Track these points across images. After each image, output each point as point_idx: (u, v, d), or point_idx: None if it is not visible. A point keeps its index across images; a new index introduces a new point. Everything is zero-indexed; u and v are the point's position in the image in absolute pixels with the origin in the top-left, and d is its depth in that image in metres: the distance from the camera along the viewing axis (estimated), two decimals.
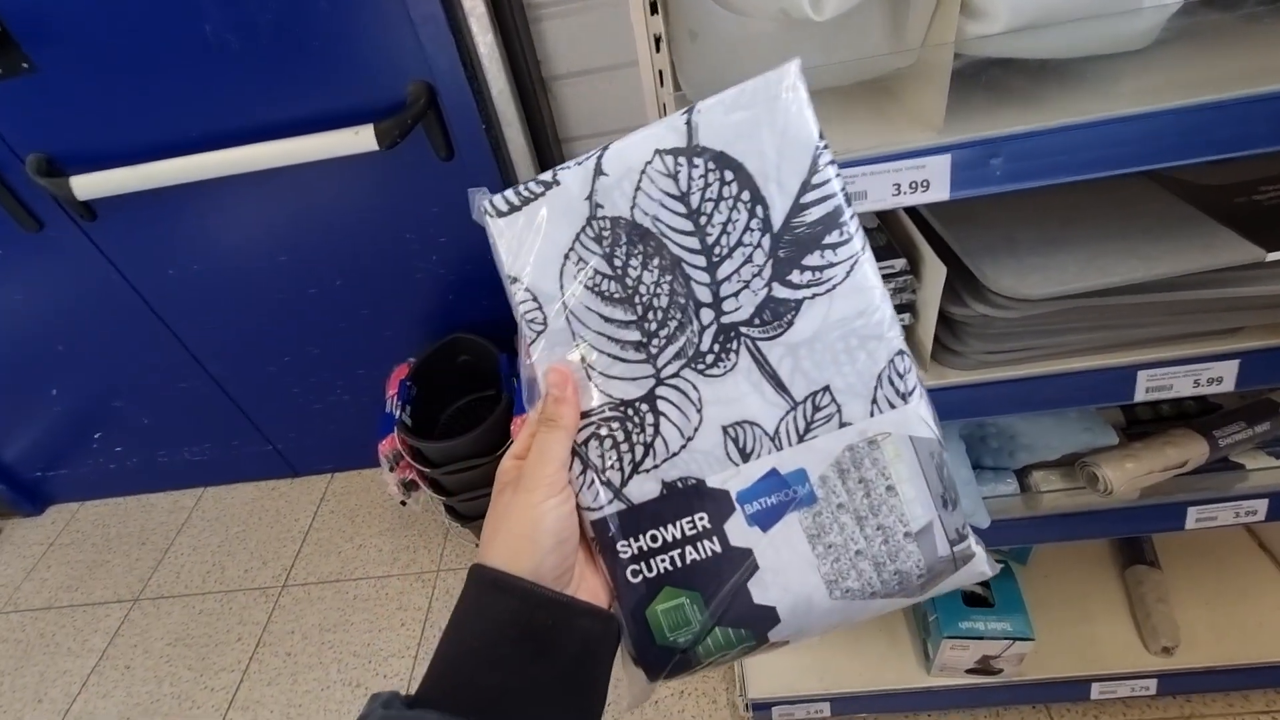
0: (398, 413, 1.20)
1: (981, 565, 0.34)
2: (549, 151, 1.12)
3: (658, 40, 0.65)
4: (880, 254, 0.65)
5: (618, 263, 0.35)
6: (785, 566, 0.34)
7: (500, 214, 0.36)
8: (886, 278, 0.65)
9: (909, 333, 0.69)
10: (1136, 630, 0.99)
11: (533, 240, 0.36)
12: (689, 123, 0.34)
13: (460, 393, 1.39)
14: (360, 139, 1.04)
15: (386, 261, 1.28)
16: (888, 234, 0.67)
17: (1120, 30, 0.46)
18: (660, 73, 0.69)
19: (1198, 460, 0.75)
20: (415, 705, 0.31)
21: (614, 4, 1.02)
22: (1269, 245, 0.54)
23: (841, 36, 0.51)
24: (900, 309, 0.67)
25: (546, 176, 0.36)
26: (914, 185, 0.50)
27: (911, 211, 0.68)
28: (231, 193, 1.16)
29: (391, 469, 1.21)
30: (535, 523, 0.33)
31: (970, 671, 0.97)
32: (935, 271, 0.60)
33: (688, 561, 0.35)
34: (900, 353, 0.33)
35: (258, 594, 1.48)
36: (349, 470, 1.71)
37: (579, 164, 0.35)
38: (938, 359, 0.68)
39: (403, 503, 1.28)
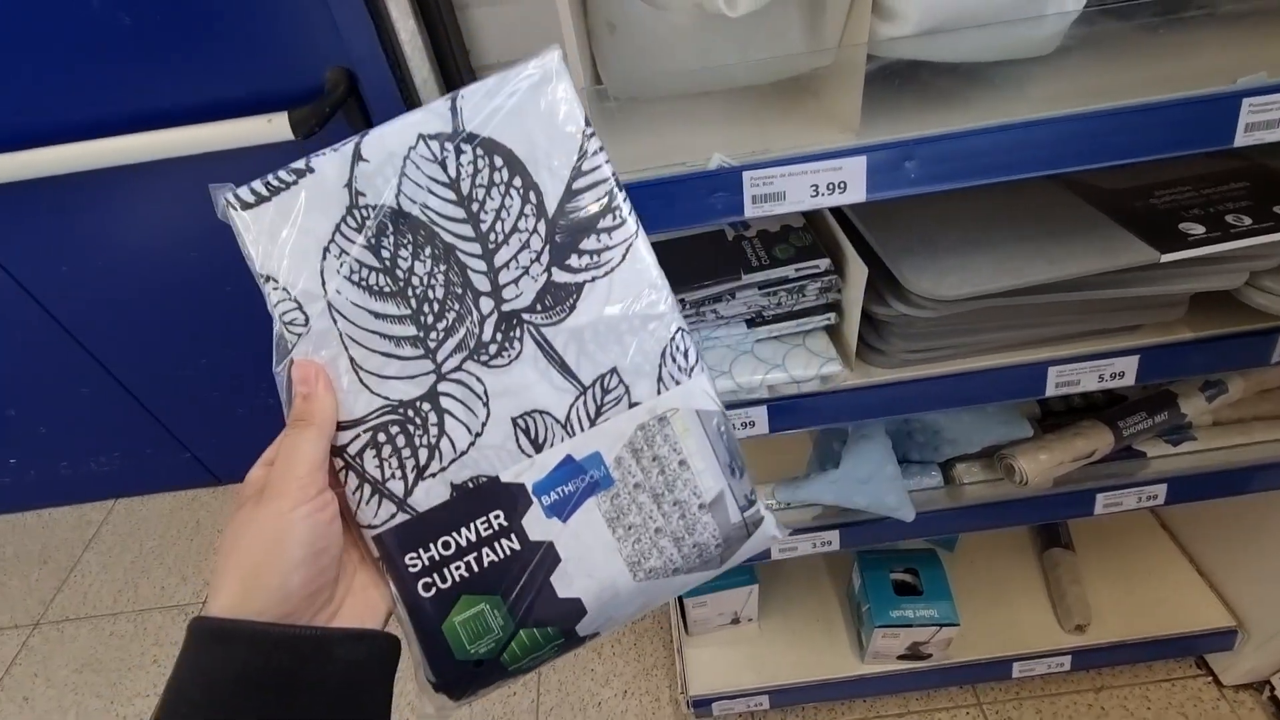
0: None
1: (771, 529, 0.36)
2: None
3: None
4: (805, 254, 0.65)
5: (385, 254, 0.33)
6: (587, 554, 0.34)
7: (246, 206, 0.33)
8: (811, 277, 0.65)
9: (834, 331, 0.70)
10: (1053, 610, 1.05)
11: (287, 233, 0.33)
12: (454, 108, 0.33)
13: None
14: (274, 127, 0.98)
15: None
16: (813, 234, 0.68)
17: (1025, 36, 0.47)
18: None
19: (1105, 449, 0.79)
20: None
21: None
22: (1163, 247, 0.56)
23: (759, 34, 0.50)
24: (825, 308, 0.68)
25: (299, 164, 0.33)
26: (831, 186, 0.50)
27: (836, 212, 0.68)
28: (134, 183, 1.07)
29: None
30: (282, 534, 0.29)
31: (901, 658, 1.00)
32: (858, 272, 0.61)
33: (485, 564, 0.33)
34: (680, 330, 0.34)
35: (176, 612, 1.39)
36: None
37: (335, 150, 0.33)
38: (863, 358, 0.69)
39: None
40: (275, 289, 0.34)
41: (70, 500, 1.65)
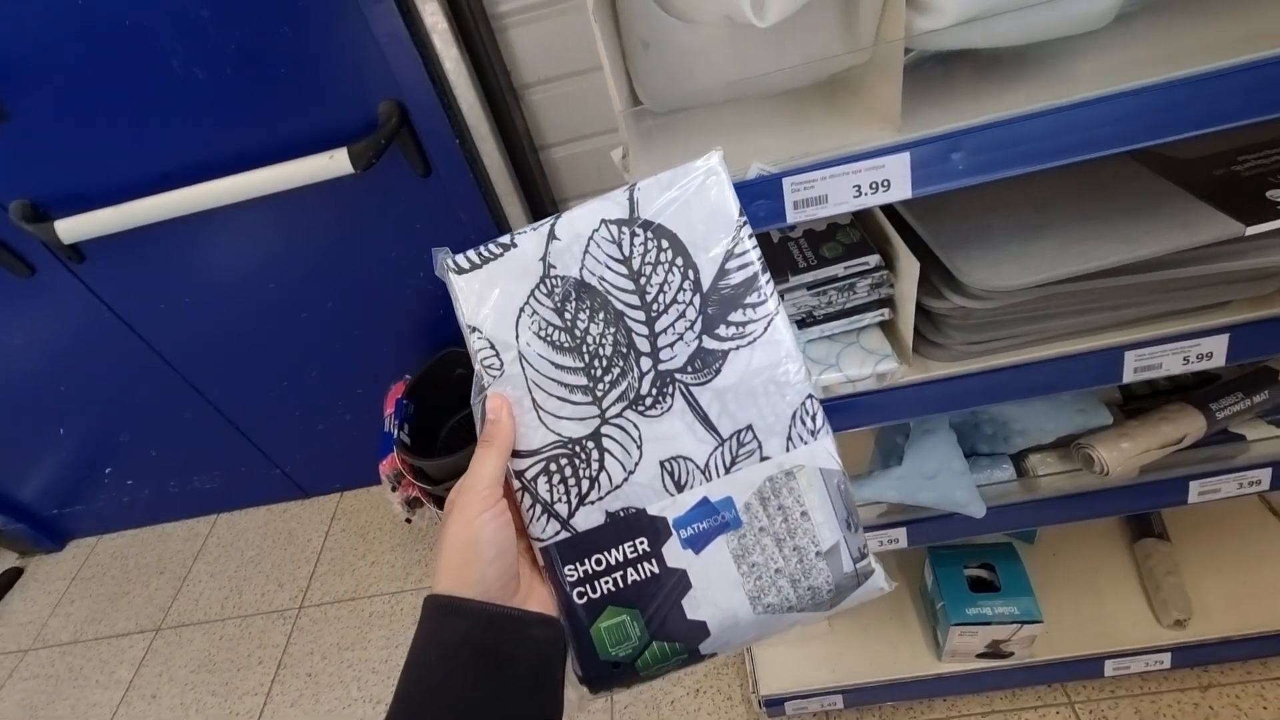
0: (396, 432, 1.21)
1: (879, 581, 0.39)
2: (525, 161, 1.11)
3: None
4: (853, 251, 0.64)
5: (567, 316, 0.40)
6: (714, 585, 0.39)
7: (462, 271, 0.40)
8: (861, 274, 0.64)
9: (888, 327, 0.68)
10: (1148, 604, 0.98)
11: (491, 295, 0.40)
12: (631, 198, 0.40)
13: (458, 406, 1.39)
14: (335, 162, 1.04)
15: (374, 280, 1.28)
16: (861, 230, 0.66)
17: (1077, 12, 0.44)
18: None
19: (1196, 435, 0.74)
20: None
21: (579, 7, 1.01)
22: (1248, 219, 0.52)
23: (792, 38, 0.50)
24: (878, 304, 0.66)
25: (505, 239, 0.40)
26: (874, 186, 0.49)
27: (885, 205, 0.67)
28: (214, 224, 1.16)
29: (394, 488, 1.22)
30: (473, 536, 0.36)
31: (981, 656, 0.97)
32: (909, 266, 0.59)
33: (629, 582, 0.39)
34: (809, 396, 0.39)
35: (276, 617, 1.50)
36: (357, 488, 1.73)
37: (534, 229, 0.40)
38: (920, 352, 0.67)
39: (408, 520, 1.29)
40: (479, 338, 0.40)
41: (180, 516, 1.80)
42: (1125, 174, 0.61)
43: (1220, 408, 0.74)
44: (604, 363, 0.39)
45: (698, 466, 0.39)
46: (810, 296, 0.65)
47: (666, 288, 0.39)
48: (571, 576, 0.39)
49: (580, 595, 0.39)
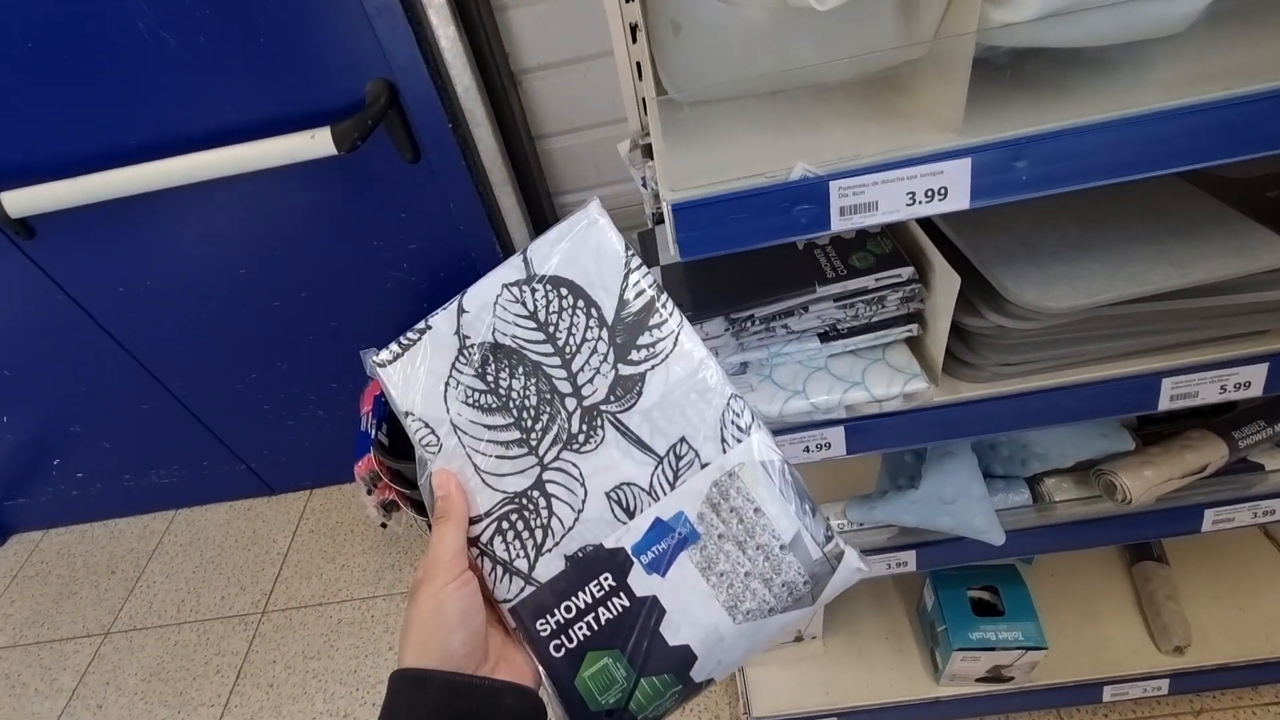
0: (373, 432, 1.14)
1: (854, 561, 0.39)
2: (521, 150, 1.05)
3: (634, 30, 0.59)
4: (885, 262, 0.60)
5: (489, 378, 0.41)
6: (688, 603, 0.39)
7: (385, 364, 0.42)
8: (892, 287, 0.60)
9: (917, 344, 0.64)
10: (1147, 629, 0.97)
11: (418, 378, 0.42)
12: (525, 259, 0.42)
13: None
14: (317, 143, 0.97)
15: (355, 271, 1.21)
16: (893, 239, 0.62)
17: (1160, 13, 0.40)
18: (639, 66, 0.62)
19: (1218, 463, 0.71)
20: None
21: None
22: None
23: (845, 26, 0.45)
24: (906, 319, 0.62)
25: (420, 325, 0.42)
26: (930, 194, 0.45)
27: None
28: (182, 202, 1.07)
29: (369, 491, 1.15)
30: (439, 607, 0.36)
31: (981, 680, 0.94)
32: (948, 281, 0.55)
33: (602, 622, 0.39)
34: (733, 396, 0.40)
35: (236, 622, 1.42)
36: (329, 486, 1.64)
37: (444, 309, 0.42)
38: (950, 372, 0.63)
39: (383, 525, 1.22)
40: (413, 420, 0.42)
41: (134, 511, 1.70)
42: (1173, 191, 0.58)
43: (1243, 436, 0.72)
44: (532, 412, 0.41)
45: (643, 489, 0.40)
46: (836, 309, 0.61)
47: (574, 329, 0.41)
48: (544, 630, 0.39)
49: (558, 649, 0.39)
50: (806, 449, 0.65)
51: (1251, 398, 0.62)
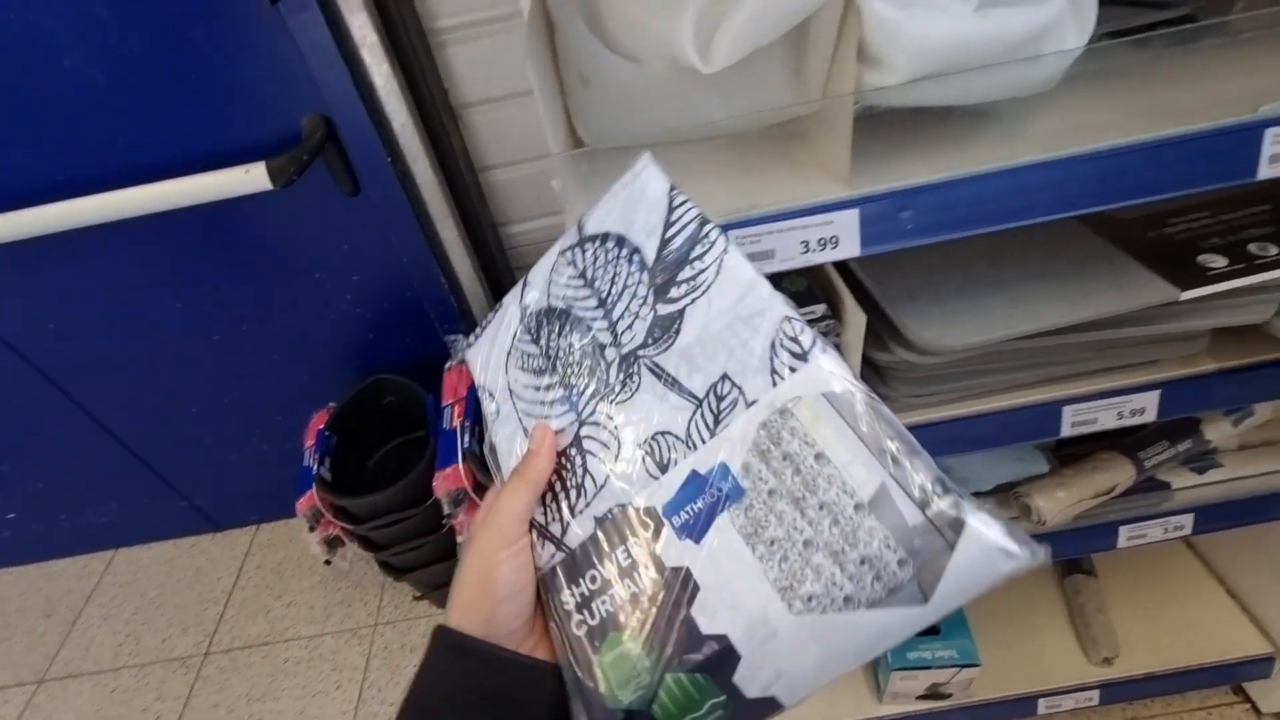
0: (315, 466, 1.12)
1: (995, 536, 0.25)
2: (462, 183, 1.05)
3: None
4: (800, 299, 0.62)
5: (542, 342, 0.41)
6: (727, 580, 0.30)
7: (470, 346, 0.45)
8: (809, 323, 0.62)
9: None
10: (1078, 641, 1.00)
11: (490, 356, 0.44)
12: (579, 224, 0.42)
13: (387, 435, 1.31)
14: (252, 177, 0.96)
15: (297, 302, 1.19)
16: (808, 278, 0.64)
17: (1023, 77, 0.43)
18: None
19: (1126, 483, 0.75)
20: None
21: (520, 27, 0.96)
22: (1183, 284, 0.53)
23: (738, 84, 0.47)
24: None
25: (495, 306, 0.45)
26: (822, 242, 0.47)
27: None
28: (114, 238, 1.05)
29: (312, 528, 1.13)
30: (488, 572, 0.34)
31: (921, 698, 0.96)
32: (856, 319, 0.57)
33: (626, 597, 0.33)
34: (787, 318, 0.32)
35: (177, 665, 1.37)
36: (276, 521, 1.60)
37: (514, 289, 0.45)
38: None
39: (327, 562, 1.20)
40: (484, 393, 0.43)
41: (72, 552, 1.63)
42: (1067, 230, 0.61)
43: (1148, 456, 0.75)
44: (575, 369, 0.38)
45: (678, 438, 0.33)
46: None
47: (616, 278, 0.38)
48: (568, 604, 0.34)
49: (579, 625, 0.33)
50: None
51: (1147, 422, 0.65)
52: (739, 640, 0.29)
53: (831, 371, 0.30)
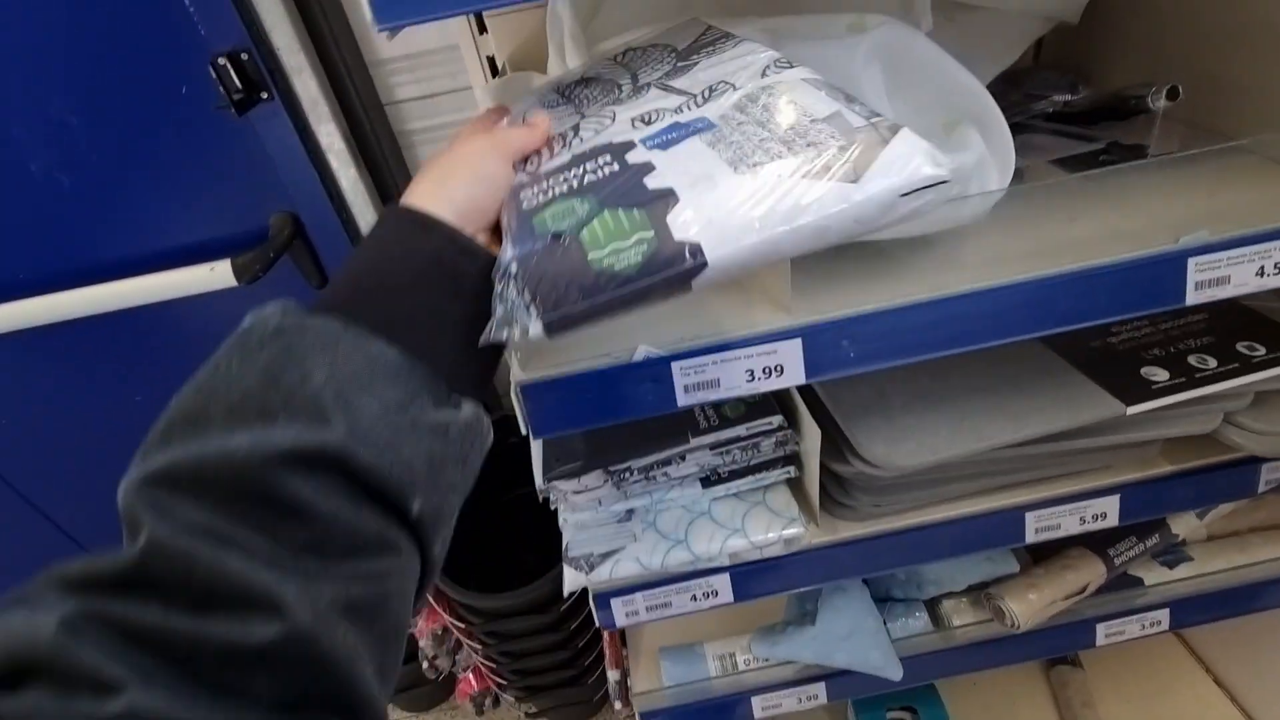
0: None
1: (917, 138, 0.29)
2: None
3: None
4: (756, 410, 0.62)
5: (567, 93, 0.47)
6: (684, 163, 0.33)
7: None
8: (765, 434, 0.62)
9: (795, 485, 0.65)
10: None
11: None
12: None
13: None
14: (216, 275, 0.96)
15: None
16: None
17: (954, 215, 0.45)
18: None
19: (1098, 582, 0.74)
20: (318, 312, 0.29)
21: None
22: (1128, 399, 0.53)
23: None
24: (784, 461, 0.63)
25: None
26: (768, 370, 0.47)
27: None
28: (75, 335, 1.04)
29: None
30: (467, 156, 0.35)
31: None
32: (812, 433, 0.57)
33: (585, 181, 0.34)
34: (777, 60, 0.38)
35: None
36: None
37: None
38: (829, 511, 0.64)
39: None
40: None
41: None
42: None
43: (1118, 553, 0.74)
44: (590, 102, 0.43)
45: (669, 110, 0.38)
46: (713, 456, 0.62)
47: (648, 59, 0.45)
48: (525, 200, 0.34)
49: (527, 199, 0.35)
50: (694, 597, 0.64)
51: (1109, 527, 0.65)
52: (680, 188, 0.31)
53: (814, 77, 0.36)
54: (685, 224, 0.30)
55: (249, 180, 0.96)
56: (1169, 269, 0.46)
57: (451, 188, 0.34)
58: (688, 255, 0.29)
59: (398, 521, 0.28)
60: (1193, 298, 0.47)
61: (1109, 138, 0.58)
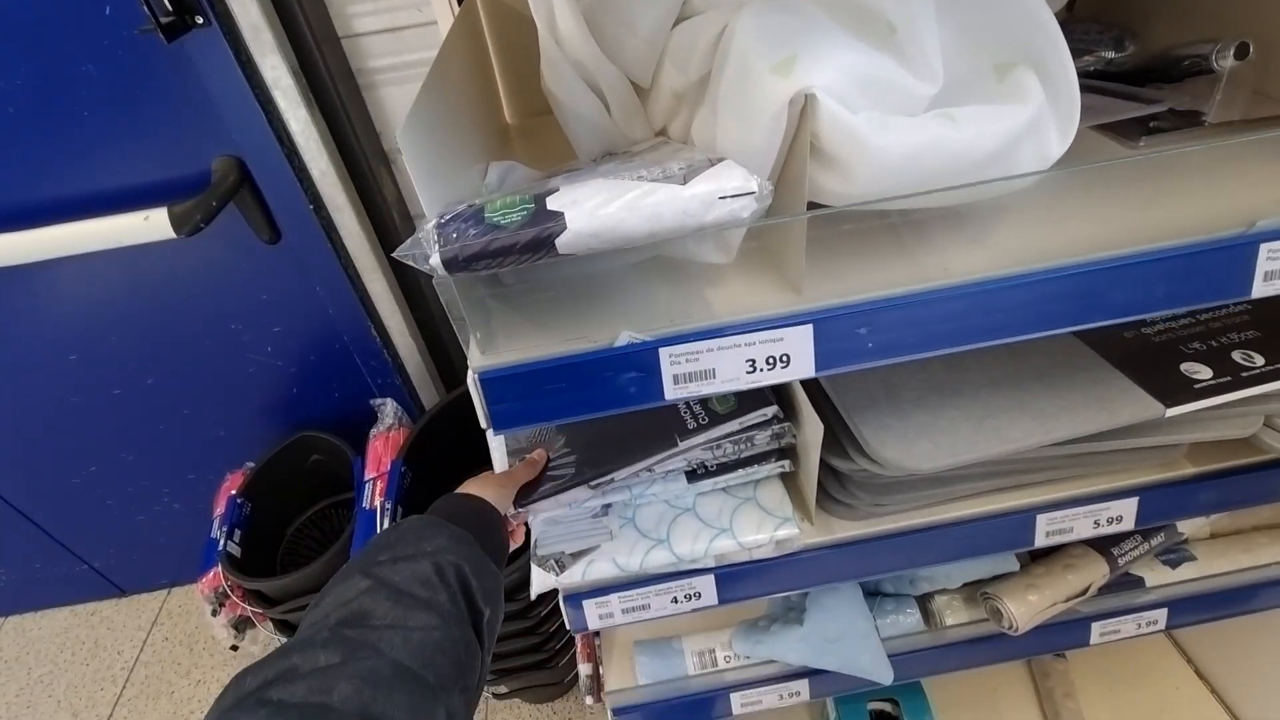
0: (223, 541, 1.00)
1: (733, 168, 0.35)
2: (394, 231, 0.97)
3: None
4: (749, 402, 0.55)
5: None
6: (577, 180, 0.38)
7: None
8: (758, 426, 0.55)
9: (791, 479, 0.59)
10: None
11: None
12: None
13: (313, 497, 1.20)
14: (151, 224, 0.86)
15: (210, 355, 1.08)
16: None
17: (990, 187, 0.37)
18: None
19: (1100, 582, 0.70)
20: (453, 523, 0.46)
21: None
22: (1167, 400, 0.48)
23: None
24: (778, 454, 0.57)
25: None
26: (772, 361, 0.40)
27: None
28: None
29: (215, 612, 1.00)
30: (499, 486, 0.53)
31: None
32: (814, 428, 0.51)
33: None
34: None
35: None
36: (191, 584, 1.46)
37: None
38: (825, 509, 0.59)
39: (233, 648, 1.07)
40: None
41: None
42: None
43: (1121, 552, 0.70)
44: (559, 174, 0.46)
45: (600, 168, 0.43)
46: (701, 450, 0.55)
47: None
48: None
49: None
50: (675, 599, 0.59)
51: (1125, 530, 0.60)
52: (564, 188, 0.37)
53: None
54: (557, 200, 0.37)
55: (187, 119, 0.85)
56: (1238, 256, 0.40)
57: (484, 492, 0.52)
58: (554, 221, 0.36)
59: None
60: (1260, 289, 0.41)
61: (1160, 101, 0.51)
